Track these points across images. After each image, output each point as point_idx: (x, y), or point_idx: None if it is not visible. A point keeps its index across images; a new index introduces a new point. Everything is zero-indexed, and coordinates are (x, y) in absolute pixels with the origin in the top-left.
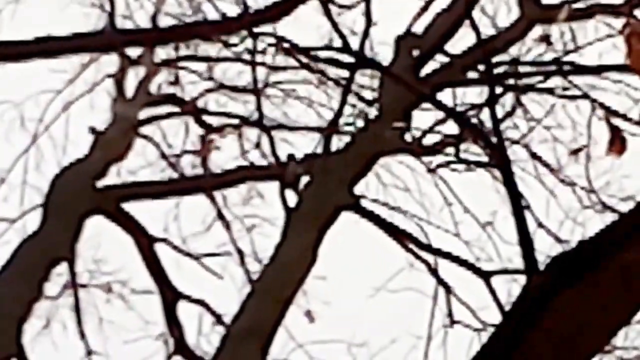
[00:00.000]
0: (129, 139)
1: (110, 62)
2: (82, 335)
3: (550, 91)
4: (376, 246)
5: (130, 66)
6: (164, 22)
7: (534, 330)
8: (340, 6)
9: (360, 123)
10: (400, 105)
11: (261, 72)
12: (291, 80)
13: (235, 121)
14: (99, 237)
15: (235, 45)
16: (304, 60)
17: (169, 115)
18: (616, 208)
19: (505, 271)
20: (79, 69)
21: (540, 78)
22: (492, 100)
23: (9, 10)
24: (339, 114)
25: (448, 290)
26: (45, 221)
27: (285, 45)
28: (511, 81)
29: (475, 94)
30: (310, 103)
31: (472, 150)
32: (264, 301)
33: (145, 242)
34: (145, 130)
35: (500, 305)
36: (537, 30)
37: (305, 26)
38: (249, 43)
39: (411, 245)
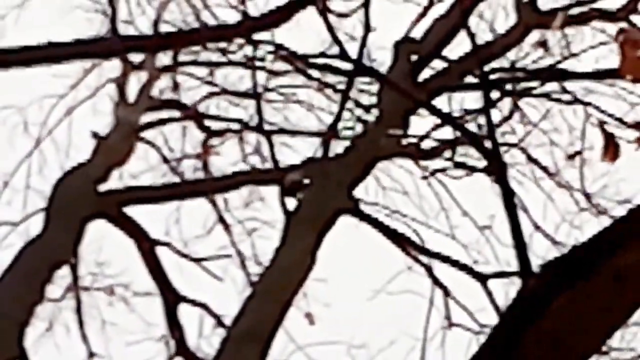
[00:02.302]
0: (131, 144)
1: (112, 67)
2: (85, 337)
3: (546, 96)
4: (375, 249)
5: (132, 71)
6: (165, 28)
7: (530, 333)
8: (340, 15)
9: (359, 128)
10: (399, 111)
11: (261, 77)
12: (291, 85)
13: (236, 126)
14: (101, 240)
15: (234, 52)
16: (303, 67)
17: (170, 119)
18: (612, 211)
19: (502, 274)
20: (81, 74)
21: (536, 83)
22: (488, 106)
23: (12, 15)
24: (338, 118)
25: (446, 292)
26: (48, 225)
27: (284, 53)
28: (508, 86)
29: (473, 99)
30: (309, 108)
31: (470, 154)
32: (264, 303)
33: (146, 246)
34: (146, 134)
35: (497, 308)
36: (534, 36)
37: (304, 33)
38: (248, 50)
39: (409, 248)
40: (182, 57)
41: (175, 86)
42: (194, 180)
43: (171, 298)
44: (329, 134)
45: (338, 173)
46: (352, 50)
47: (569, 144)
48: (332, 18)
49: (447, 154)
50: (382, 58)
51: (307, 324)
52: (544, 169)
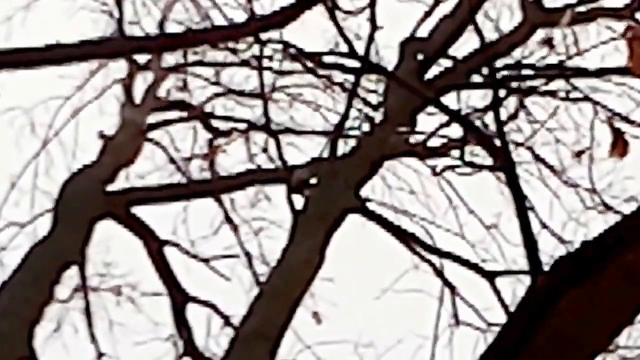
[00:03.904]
0: (138, 144)
1: (118, 68)
2: (93, 337)
3: (553, 94)
4: (382, 248)
5: (139, 72)
6: (172, 28)
7: (539, 331)
8: (346, 12)
9: (366, 127)
10: (406, 109)
11: (268, 76)
12: (297, 85)
13: (243, 125)
14: (109, 240)
15: (242, 51)
16: (310, 65)
17: (177, 120)
18: (619, 209)
19: (509, 272)
20: (87, 75)
21: (543, 81)
22: (495, 103)
23: (18, 17)
24: (345, 117)
25: (453, 291)
26: (56, 225)
27: (292, 50)
28: (514, 84)
29: (479, 97)
30: (316, 107)
31: (477, 153)
32: (272, 303)
33: (154, 246)
34: (153, 134)
35: (505, 306)
36: (540, 34)
37: (311, 31)
38: (256, 49)
39: (417, 247)
40: (188, 57)
41: (182, 86)
42: (200, 180)
43: (179, 298)
44: (336, 133)
45: (345, 172)
46: (360, 48)
47: (575, 142)
48: (338, 17)
49: (454, 152)
50: (388, 57)
51: (314, 323)
52: (550, 167)
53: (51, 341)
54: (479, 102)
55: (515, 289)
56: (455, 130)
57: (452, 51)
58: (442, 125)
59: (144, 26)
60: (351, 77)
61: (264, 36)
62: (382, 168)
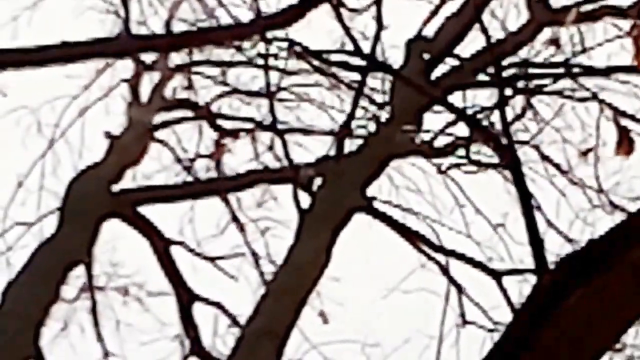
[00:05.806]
0: (144, 143)
1: (125, 67)
2: (100, 337)
3: (559, 93)
4: (389, 247)
5: (145, 71)
6: (178, 27)
7: (545, 329)
8: (352, 10)
9: (372, 126)
10: (412, 108)
11: (274, 76)
12: (304, 84)
13: (249, 125)
14: (116, 240)
15: (247, 50)
16: (316, 64)
17: (184, 119)
18: (625, 208)
19: (516, 271)
20: (94, 74)
21: (549, 80)
22: (502, 102)
23: (25, 16)
24: (351, 117)
25: (460, 290)
26: (62, 225)
27: (298, 49)
28: (521, 83)
29: (485, 96)
30: (322, 106)
31: (483, 152)
32: (278, 302)
33: (161, 245)
34: (160, 134)
35: (511, 305)
36: (546, 33)
37: (317, 30)
38: (261, 47)
39: (423, 246)
40: (195, 57)
41: (189, 86)
42: (207, 179)
43: (185, 297)
44: (342, 132)
45: (351, 171)
46: (366, 47)
47: (581, 141)
48: (344, 16)
49: (460, 151)
50: (394, 56)
51: (320, 322)
52: (557, 166)
53: (58, 341)
54: (485, 101)
55: (522, 288)
56: (462, 129)
57: (458, 50)
58: (448, 124)
59: (151, 25)
60: (357, 76)
61: (269, 35)
62: (388, 167)
